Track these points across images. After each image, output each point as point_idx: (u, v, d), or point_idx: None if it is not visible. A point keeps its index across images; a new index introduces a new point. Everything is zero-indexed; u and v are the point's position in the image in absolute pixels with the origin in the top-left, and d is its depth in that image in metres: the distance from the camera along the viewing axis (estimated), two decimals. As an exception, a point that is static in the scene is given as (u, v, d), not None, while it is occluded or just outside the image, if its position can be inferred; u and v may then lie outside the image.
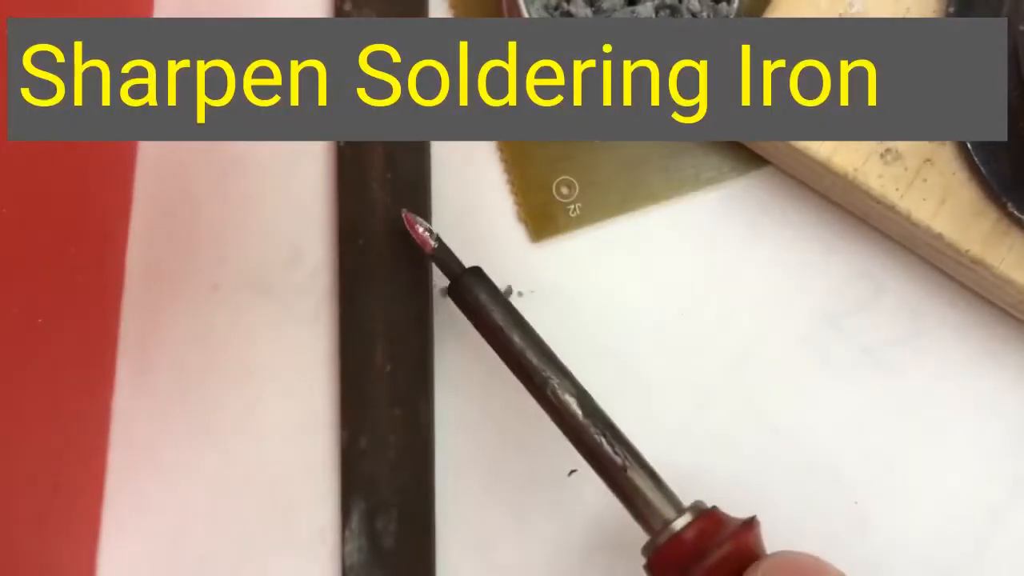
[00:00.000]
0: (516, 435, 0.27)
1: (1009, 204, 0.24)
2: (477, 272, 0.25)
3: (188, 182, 0.29)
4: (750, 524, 0.22)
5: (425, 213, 0.28)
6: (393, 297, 0.27)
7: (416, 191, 0.28)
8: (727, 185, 0.28)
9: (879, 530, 0.27)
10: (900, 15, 0.26)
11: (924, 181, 0.25)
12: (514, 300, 0.28)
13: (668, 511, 0.22)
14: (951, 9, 0.25)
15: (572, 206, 0.28)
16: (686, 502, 0.23)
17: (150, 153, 0.29)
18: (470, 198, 0.28)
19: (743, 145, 0.28)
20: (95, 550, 0.27)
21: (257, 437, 0.28)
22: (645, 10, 0.26)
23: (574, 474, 0.27)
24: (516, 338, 0.24)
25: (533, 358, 0.24)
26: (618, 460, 0.23)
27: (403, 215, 0.26)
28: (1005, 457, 0.27)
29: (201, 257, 0.28)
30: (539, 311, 0.27)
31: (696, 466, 0.27)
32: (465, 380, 0.28)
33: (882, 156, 0.25)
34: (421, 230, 0.25)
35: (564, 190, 0.28)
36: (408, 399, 0.27)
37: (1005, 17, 0.24)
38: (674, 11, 0.26)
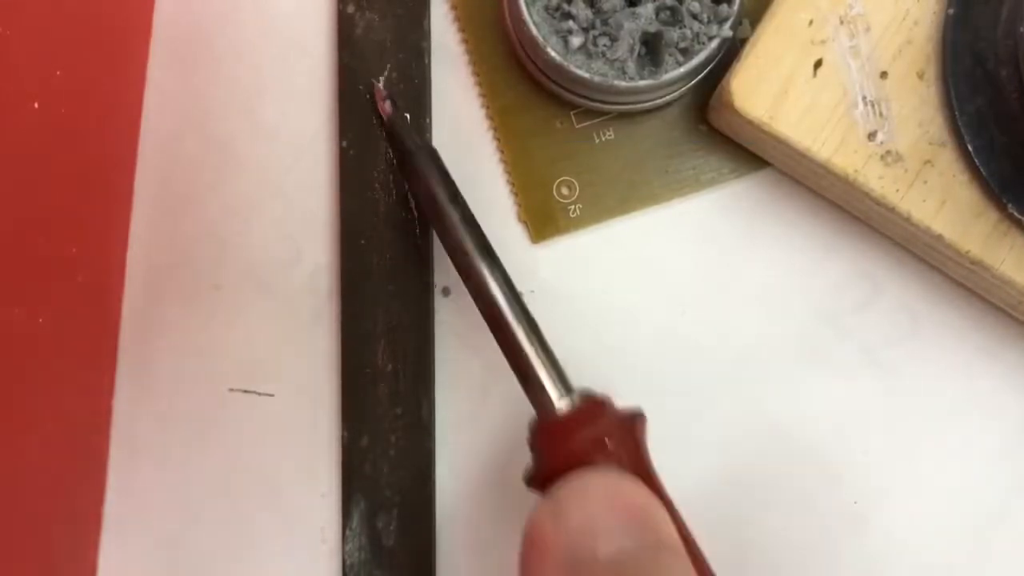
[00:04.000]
0: (516, 435, 0.27)
1: (1009, 205, 0.24)
2: (431, 150, 0.26)
3: (188, 182, 0.29)
4: (633, 413, 0.23)
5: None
6: (394, 297, 0.27)
7: (417, 191, 0.28)
8: (727, 186, 0.28)
9: (879, 530, 0.27)
10: (900, 16, 0.26)
11: (924, 182, 0.25)
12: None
13: (557, 392, 0.23)
14: (951, 10, 0.25)
15: (572, 206, 0.28)
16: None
17: (150, 153, 0.29)
18: (470, 198, 0.28)
19: (743, 146, 0.28)
20: (95, 550, 0.27)
21: (257, 437, 0.28)
22: (645, 11, 0.26)
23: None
24: (456, 218, 0.25)
25: (468, 241, 0.24)
26: (522, 341, 0.23)
27: (374, 86, 0.27)
28: (1004, 457, 0.27)
29: (202, 257, 0.28)
30: (539, 311, 0.27)
31: (695, 465, 0.27)
32: (465, 380, 0.28)
33: (882, 158, 0.25)
34: (385, 100, 0.27)
35: (564, 190, 0.28)
36: (409, 398, 0.27)
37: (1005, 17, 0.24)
38: (674, 11, 0.26)
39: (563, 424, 0.23)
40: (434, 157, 0.26)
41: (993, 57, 0.24)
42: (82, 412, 0.27)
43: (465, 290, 0.25)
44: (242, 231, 0.28)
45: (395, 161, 0.27)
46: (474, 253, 0.24)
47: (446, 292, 0.28)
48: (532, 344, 0.24)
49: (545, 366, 0.23)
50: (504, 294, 0.24)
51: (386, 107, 0.27)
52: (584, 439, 0.22)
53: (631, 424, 0.23)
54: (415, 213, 0.27)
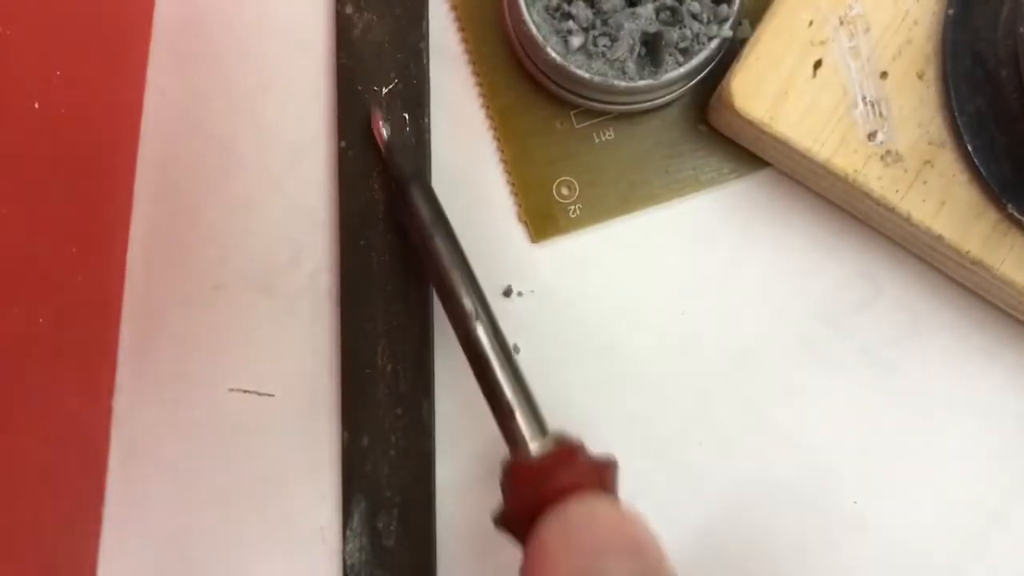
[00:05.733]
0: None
1: (1009, 205, 0.24)
2: (424, 184, 0.26)
3: (188, 182, 0.29)
4: (605, 461, 0.23)
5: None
6: (394, 297, 0.27)
7: (417, 191, 0.28)
8: (727, 186, 0.28)
9: (879, 530, 0.27)
10: (900, 16, 0.26)
11: (924, 183, 0.25)
12: (514, 300, 0.28)
13: (531, 434, 0.23)
14: (951, 10, 0.25)
15: (572, 206, 0.28)
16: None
17: (151, 153, 0.29)
18: (470, 198, 0.28)
19: (743, 146, 0.28)
20: (95, 550, 0.27)
21: (258, 437, 0.28)
22: (645, 11, 0.26)
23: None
24: (444, 255, 0.25)
25: (454, 278, 0.25)
26: (495, 375, 0.24)
27: (372, 112, 0.27)
28: (1004, 457, 0.27)
29: (202, 257, 0.28)
30: (539, 311, 0.27)
31: (695, 465, 0.27)
32: (465, 380, 0.28)
33: (882, 158, 0.25)
34: (382, 126, 0.27)
35: (564, 191, 0.28)
36: (409, 399, 0.27)
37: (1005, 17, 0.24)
38: (674, 12, 0.26)
39: (535, 467, 0.22)
40: (426, 189, 0.26)
41: (993, 57, 0.24)
42: (82, 412, 0.27)
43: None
44: (242, 231, 0.28)
45: (392, 187, 0.27)
46: (459, 291, 0.24)
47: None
48: (510, 384, 0.24)
49: (521, 406, 0.23)
50: (486, 332, 0.24)
51: (382, 132, 0.27)
52: (556, 484, 0.22)
53: (603, 471, 0.22)
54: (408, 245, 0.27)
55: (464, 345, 0.24)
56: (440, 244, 0.25)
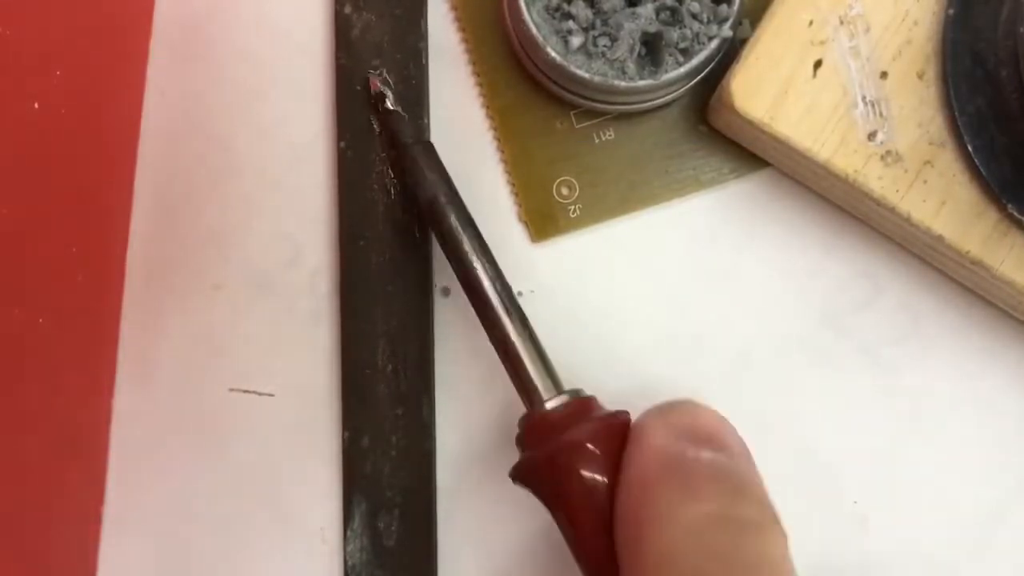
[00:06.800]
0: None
1: (1009, 205, 0.24)
2: (427, 146, 0.26)
3: (188, 182, 0.29)
4: (619, 414, 0.23)
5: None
6: (394, 297, 0.27)
7: (417, 191, 0.28)
8: (727, 186, 0.28)
9: (879, 530, 0.27)
10: (900, 16, 0.26)
11: (924, 183, 0.25)
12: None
13: (548, 389, 0.24)
14: (951, 10, 0.25)
15: (572, 206, 0.28)
16: None
17: (151, 153, 0.29)
18: (470, 198, 0.28)
19: (743, 146, 0.28)
20: (95, 550, 0.27)
21: (258, 437, 0.28)
22: (645, 11, 0.26)
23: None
24: (452, 216, 0.25)
25: (464, 239, 0.25)
26: (514, 339, 0.24)
27: (370, 79, 0.27)
28: (1005, 457, 0.27)
29: (202, 257, 0.28)
30: (539, 311, 0.27)
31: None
32: (466, 380, 0.28)
33: (882, 158, 0.25)
34: (380, 86, 0.27)
35: (564, 191, 0.28)
36: (409, 399, 0.27)
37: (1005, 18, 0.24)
38: (674, 12, 0.26)
39: (551, 420, 0.23)
40: (430, 152, 0.26)
41: (993, 57, 0.24)
42: (82, 412, 0.27)
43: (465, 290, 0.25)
44: (242, 231, 0.28)
45: (391, 157, 0.27)
46: (469, 251, 0.25)
47: (446, 292, 0.28)
48: (524, 342, 0.24)
49: (535, 364, 0.24)
50: (498, 292, 0.24)
51: (385, 99, 0.27)
52: (572, 436, 0.22)
53: (619, 423, 0.23)
54: (414, 211, 0.27)
55: (475, 304, 0.24)
56: (447, 208, 0.25)
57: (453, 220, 0.25)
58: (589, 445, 0.22)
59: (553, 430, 0.23)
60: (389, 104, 0.27)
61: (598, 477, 0.22)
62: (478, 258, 0.25)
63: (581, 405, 0.23)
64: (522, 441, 0.24)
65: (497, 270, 0.25)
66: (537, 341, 0.24)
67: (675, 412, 0.23)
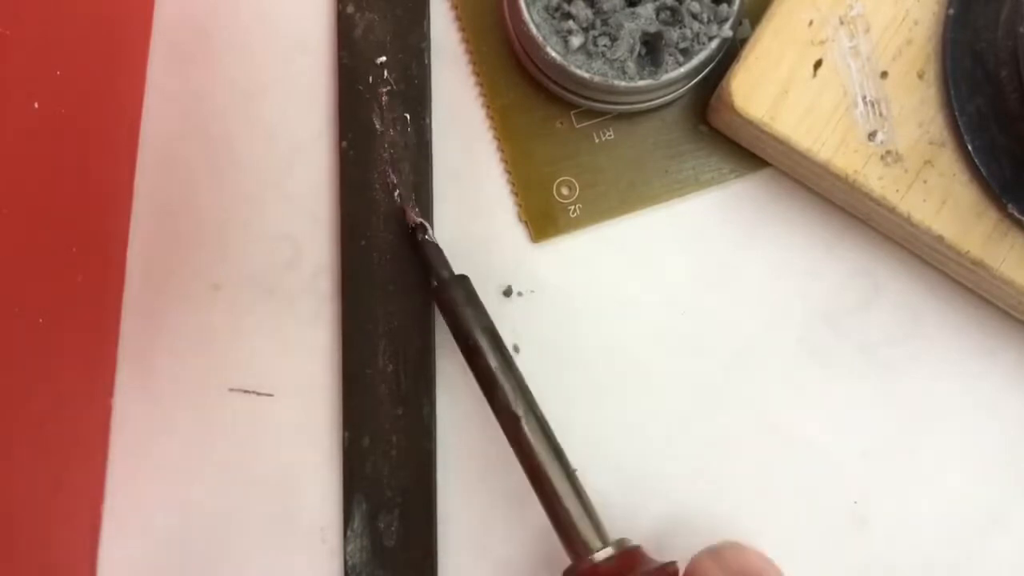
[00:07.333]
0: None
1: (1009, 205, 0.24)
2: (463, 280, 0.25)
3: (188, 182, 0.29)
4: (667, 568, 0.23)
5: (427, 213, 0.27)
6: (394, 297, 0.27)
7: (417, 191, 0.28)
8: (727, 186, 0.28)
9: (879, 530, 0.27)
10: (900, 16, 0.26)
11: (924, 183, 0.25)
12: (514, 300, 0.28)
13: (594, 541, 0.23)
14: (951, 10, 0.25)
15: (572, 206, 0.28)
16: (666, 510, 0.24)
17: (151, 152, 0.29)
18: (471, 198, 0.28)
19: (743, 146, 0.28)
20: (95, 550, 0.27)
21: (258, 437, 0.28)
22: (645, 11, 0.26)
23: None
24: (492, 361, 0.25)
25: (501, 377, 0.24)
26: (558, 488, 0.24)
27: (407, 212, 0.26)
28: (1004, 457, 0.27)
29: (201, 257, 0.28)
30: (539, 311, 0.27)
31: (695, 466, 0.27)
32: (466, 380, 0.28)
33: (882, 158, 0.25)
34: (419, 219, 0.26)
35: (564, 191, 0.28)
36: (410, 399, 0.27)
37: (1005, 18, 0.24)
38: (674, 12, 0.26)
39: (600, 573, 0.22)
40: (466, 288, 0.25)
41: (993, 57, 0.24)
42: (82, 412, 0.27)
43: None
44: (242, 231, 0.28)
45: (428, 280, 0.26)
46: (509, 394, 0.24)
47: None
48: (567, 489, 0.23)
49: (581, 513, 0.23)
50: (542, 440, 0.24)
51: (425, 231, 0.26)
52: None
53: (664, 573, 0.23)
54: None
55: (518, 452, 0.24)
56: (486, 349, 0.24)
57: (493, 365, 0.24)
58: None
59: None
60: (428, 236, 0.26)
61: None
62: (519, 403, 0.24)
63: (629, 557, 0.23)
64: None
65: (537, 414, 0.24)
66: (579, 485, 0.24)
67: (726, 555, 0.23)
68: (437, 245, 0.26)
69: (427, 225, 0.26)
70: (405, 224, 0.27)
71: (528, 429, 0.24)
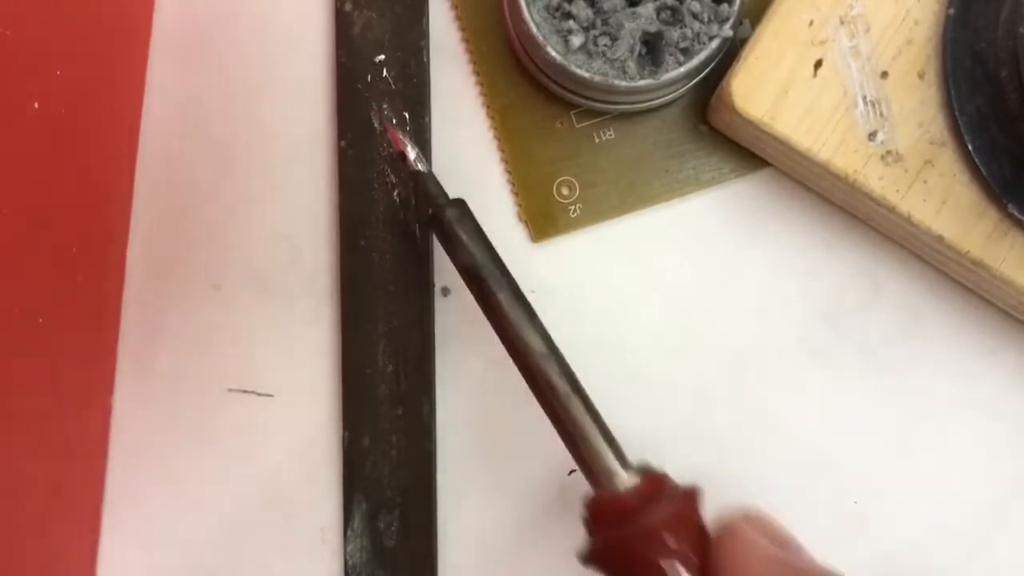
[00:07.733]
0: (516, 434, 0.27)
1: (1010, 205, 0.24)
2: (461, 205, 0.25)
3: (188, 182, 0.28)
4: (692, 493, 0.22)
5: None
6: (394, 297, 0.27)
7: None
8: (727, 186, 0.28)
9: (879, 530, 0.27)
10: (900, 16, 0.26)
11: (924, 183, 0.25)
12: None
13: (615, 468, 0.22)
14: (951, 10, 0.25)
15: (572, 206, 0.28)
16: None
17: (151, 152, 0.29)
18: (471, 198, 0.28)
19: (743, 146, 0.28)
20: (95, 550, 0.27)
21: (258, 437, 0.28)
22: (646, 10, 0.26)
23: (574, 473, 0.27)
24: (493, 282, 0.24)
25: (505, 301, 0.23)
26: (575, 415, 0.22)
27: (388, 132, 0.25)
28: (1004, 457, 0.27)
29: (202, 257, 0.28)
30: (540, 311, 0.27)
31: (695, 465, 0.27)
32: (466, 380, 0.28)
33: (883, 158, 0.25)
34: (410, 153, 0.25)
35: (564, 190, 0.28)
36: (410, 399, 0.27)
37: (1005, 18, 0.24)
38: (675, 11, 0.26)
39: (623, 505, 0.22)
40: (464, 212, 0.25)
41: (993, 57, 0.24)
42: (82, 412, 0.27)
43: (465, 289, 0.24)
44: (242, 231, 0.28)
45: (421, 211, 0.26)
46: (522, 325, 0.23)
47: (446, 292, 0.28)
48: (589, 417, 0.23)
49: (600, 441, 0.22)
50: (555, 365, 0.23)
51: (411, 159, 0.25)
52: (648, 522, 0.21)
53: (691, 501, 0.22)
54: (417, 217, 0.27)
55: (531, 380, 0.23)
56: (495, 282, 0.24)
57: (492, 286, 0.24)
58: (667, 535, 0.21)
59: (626, 515, 0.21)
60: (412, 163, 0.25)
61: (678, 566, 0.20)
62: (530, 330, 0.23)
63: (654, 485, 0.22)
64: (592, 522, 0.22)
65: (549, 341, 0.23)
66: (595, 410, 0.23)
67: (761, 521, 0.22)
68: (427, 173, 0.25)
69: (410, 150, 0.25)
70: (403, 221, 0.27)
71: (540, 355, 0.23)
